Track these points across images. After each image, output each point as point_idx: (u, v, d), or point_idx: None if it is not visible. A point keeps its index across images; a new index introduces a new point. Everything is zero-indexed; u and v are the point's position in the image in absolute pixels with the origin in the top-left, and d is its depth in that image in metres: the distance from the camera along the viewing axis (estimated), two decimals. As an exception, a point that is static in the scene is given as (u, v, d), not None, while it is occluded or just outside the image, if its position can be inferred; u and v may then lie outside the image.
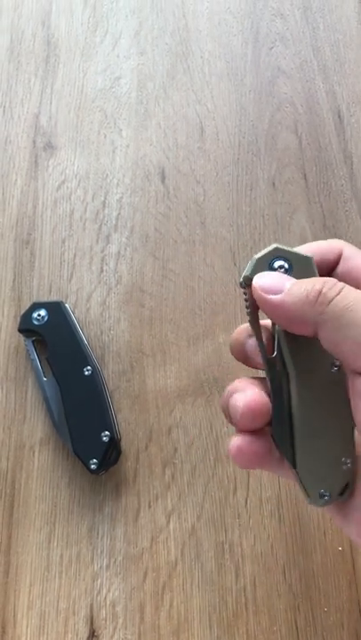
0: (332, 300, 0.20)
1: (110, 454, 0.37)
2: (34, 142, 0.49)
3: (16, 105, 0.51)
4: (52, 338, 0.40)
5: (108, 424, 0.37)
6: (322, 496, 0.23)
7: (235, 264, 0.45)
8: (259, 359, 0.24)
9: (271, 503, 0.38)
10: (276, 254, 0.24)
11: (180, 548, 0.37)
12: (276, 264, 0.24)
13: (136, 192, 0.47)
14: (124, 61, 0.52)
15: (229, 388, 0.24)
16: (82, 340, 0.40)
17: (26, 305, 0.43)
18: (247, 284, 0.24)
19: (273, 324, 0.24)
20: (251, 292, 0.23)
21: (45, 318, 0.40)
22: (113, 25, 0.54)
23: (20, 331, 0.41)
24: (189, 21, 0.54)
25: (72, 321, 0.41)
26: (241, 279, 0.24)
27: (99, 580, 0.36)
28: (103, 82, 0.51)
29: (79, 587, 0.36)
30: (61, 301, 0.41)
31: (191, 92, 0.51)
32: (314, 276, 0.23)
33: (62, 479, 0.39)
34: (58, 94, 0.51)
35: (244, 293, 0.24)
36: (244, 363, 0.25)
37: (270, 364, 0.24)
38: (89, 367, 0.39)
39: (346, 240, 0.45)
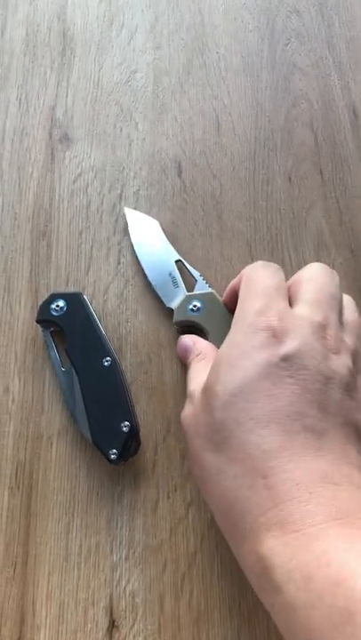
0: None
1: (130, 445, 0.37)
2: (50, 134, 0.49)
3: (32, 97, 0.51)
4: (71, 329, 0.40)
5: (127, 414, 0.37)
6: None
7: (252, 259, 0.45)
8: None
9: (290, 495, 0.38)
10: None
11: (200, 540, 0.37)
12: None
13: (153, 185, 0.47)
14: (139, 55, 0.52)
15: None
16: (100, 332, 0.40)
17: (43, 296, 0.43)
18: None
19: None
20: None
21: (64, 309, 0.40)
22: (129, 19, 0.54)
23: (38, 321, 0.41)
24: (205, 17, 0.54)
25: (90, 312, 0.41)
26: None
27: (118, 571, 0.36)
28: (119, 75, 0.52)
29: (98, 577, 0.36)
30: (80, 292, 0.41)
31: (207, 87, 0.51)
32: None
33: (80, 470, 0.39)
34: (74, 87, 0.51)
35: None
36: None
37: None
38: (108, 358, 0.39)
39: (362, 235, 0.46)
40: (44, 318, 0.41)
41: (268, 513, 0.26)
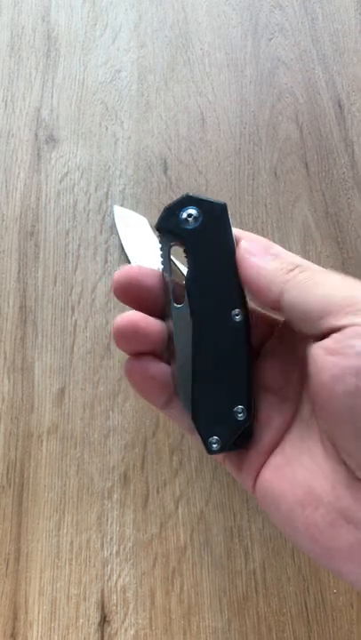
0: (301, 271, 0.22)
1: (239, 435, 0.25)
2: (36, 135, 0.49)
3: (17, 99, 0.51)
4: (201, 253, 0.25)
5: (245, 395, 0.25)
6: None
7: (238, 253, 0.45)
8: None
9: (279, 488, 0.38)
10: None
11: (190, 534, 0.37)
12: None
13: (139, 183, 0.47)
14: (124, 54, 0.53)
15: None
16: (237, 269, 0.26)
17: (31, 296, 0.43)
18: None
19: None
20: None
21: (199, 221, 0.25)
22: (113, 18, 0.54)
23: (159, 229, 0.26)
24: (189, 14, 0.54)
25: (232, 238, 0.25)
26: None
27: (109, 567, 0.36)
28: (104, 75, 0.52)
29: (90, 573, 0.36)
30: (225, 204, 0.26)
31: (192, 84, 0.51)
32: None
33: (70, 467, 0.39)
34: (59, 88, 0.51)
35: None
36: (133, 304, 0.25)
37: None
38: (238, 311, 0.25)
39: (348, 227, 0.46)
40: (168, 228, 0.26)
41: None
